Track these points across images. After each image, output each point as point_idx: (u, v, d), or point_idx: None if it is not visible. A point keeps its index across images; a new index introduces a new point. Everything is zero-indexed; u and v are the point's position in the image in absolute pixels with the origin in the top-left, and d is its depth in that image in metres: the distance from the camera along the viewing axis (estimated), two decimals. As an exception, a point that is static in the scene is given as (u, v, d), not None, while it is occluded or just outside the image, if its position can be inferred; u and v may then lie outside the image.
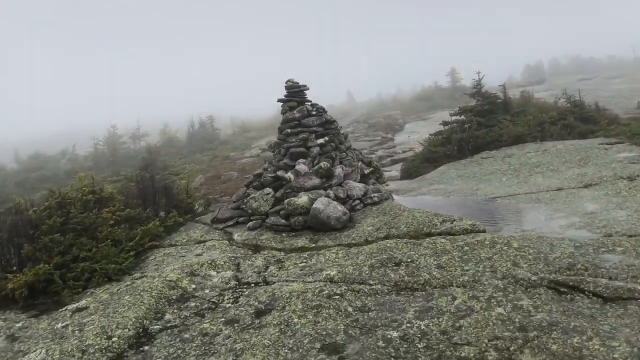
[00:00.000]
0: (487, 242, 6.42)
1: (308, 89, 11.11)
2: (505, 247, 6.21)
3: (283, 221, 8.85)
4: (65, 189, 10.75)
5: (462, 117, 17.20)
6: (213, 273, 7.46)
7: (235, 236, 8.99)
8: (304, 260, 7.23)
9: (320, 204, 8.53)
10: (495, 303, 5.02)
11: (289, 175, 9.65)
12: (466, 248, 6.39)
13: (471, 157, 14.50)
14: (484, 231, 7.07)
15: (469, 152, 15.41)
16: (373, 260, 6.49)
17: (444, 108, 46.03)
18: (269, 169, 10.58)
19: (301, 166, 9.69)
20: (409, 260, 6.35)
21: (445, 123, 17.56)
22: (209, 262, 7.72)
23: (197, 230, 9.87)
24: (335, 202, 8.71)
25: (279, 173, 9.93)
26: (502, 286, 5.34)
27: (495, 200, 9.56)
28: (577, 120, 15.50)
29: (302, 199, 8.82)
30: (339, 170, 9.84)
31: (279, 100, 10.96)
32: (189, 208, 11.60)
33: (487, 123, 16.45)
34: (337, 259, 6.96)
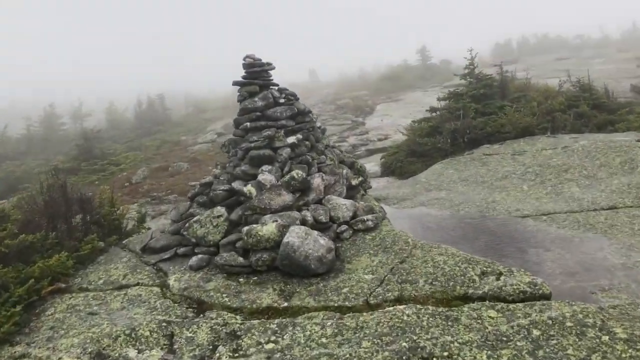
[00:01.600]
0: (568, 323, 4.09)
1: (273, 68, 8.52)
2: (605, 337, 3.88)
3: (240, 260, 6.32)
4: None
5: (451, 102, 14.90)
6: (132, 354, 4.93)
7: (172, 280, 6.42)
8: (273, 337, 4.76)
9: (295, 236, 6.04)
10: None
11: (249, 188, 7.10)
12: (536, 333, 4.04)
13: (470, 153, 12.23)
14: (549, 295, 4.73)
15: (466, 145, 13.16)
16: (386, 353, 4.08)
17: (415, 88, 43.92)
18: (221, 177, 7.99)
19: (266, 176, 7.15)
20: (445, 354, 3.97)
21: (433, 109, 15.24)
22: (127, 331, 5.18)
23: (121, 265, 7.25)
24: (315, 233, 6.23)
25: (235, 185, 7.36)
26: None
27: (526, 222, 7.28)
28: (589, 108, 13.41)
29: (269, 227, 6.30)
30: (317, 181, 7.35)
31: (235, 83, 8.34)
32: (115, 226, 8.91)
33: (484, 110, 14.23)
34: (325, 342, 4.51)
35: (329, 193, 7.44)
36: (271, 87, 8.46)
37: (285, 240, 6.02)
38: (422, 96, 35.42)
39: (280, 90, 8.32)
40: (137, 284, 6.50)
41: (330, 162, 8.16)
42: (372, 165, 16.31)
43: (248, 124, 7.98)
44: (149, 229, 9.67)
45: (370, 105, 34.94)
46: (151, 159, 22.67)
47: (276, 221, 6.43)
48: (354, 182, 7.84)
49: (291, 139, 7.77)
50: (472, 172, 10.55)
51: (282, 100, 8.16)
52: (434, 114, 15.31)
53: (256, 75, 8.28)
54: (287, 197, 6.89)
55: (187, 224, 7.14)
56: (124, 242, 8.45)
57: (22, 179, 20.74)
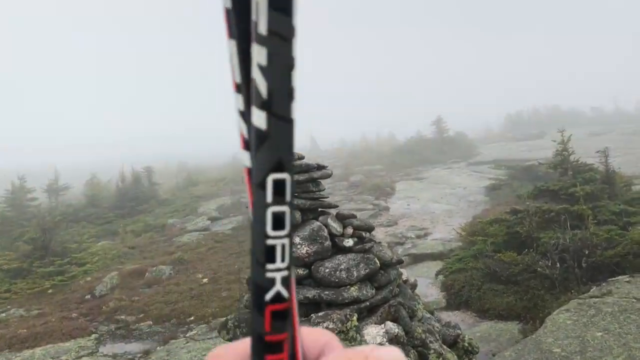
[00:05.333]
0: None
1: (329, 174, 4.55)
2: None
3: None
4: None
5: (544, 202, 11.01)
6: None
7: None
8: None
9: None
10: None
11: None
12: None
13: (607, 292, 8.15)
14: None
15: (584, 273, 9.11)
16: None
17: (435, 164, 40.31)
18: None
19: None
20: None
21: (515, 211, 11.28)
22: None
23: None
24: None
25: None
26: None
27: None
28: None
29: None
30: None
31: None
32: None
33: (595, 216, 10.26)
34: None
35: None
36: (323, 210, 4.49)
37: None
38: (448, 174, 31.69)
39: (343, 219, 4.33)
40: None
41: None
42: (425, 283, 12.12)
43: (280, 292, 3.96)
44: None
45: (389, 184, 31.05)
46: (126, 256, 18.39)
47: None
48: None
49: (374, 333, 3.67)
50: (646, 344, 6.38)
51: (348, 243, 4.16)
52: (514, 217, 11.32)
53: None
54: None
55: None
56: None
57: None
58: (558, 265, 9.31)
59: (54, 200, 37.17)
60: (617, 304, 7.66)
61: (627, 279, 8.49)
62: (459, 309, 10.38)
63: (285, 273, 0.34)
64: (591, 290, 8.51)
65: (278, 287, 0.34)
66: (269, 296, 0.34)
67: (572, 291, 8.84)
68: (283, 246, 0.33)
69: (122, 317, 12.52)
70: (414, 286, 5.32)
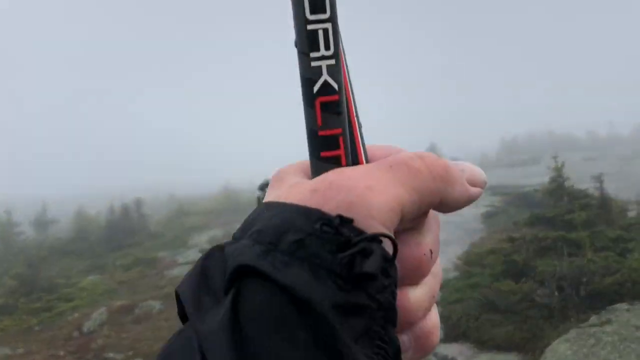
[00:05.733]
0: None
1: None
2: None
3: None
4: None
5: (539, 230, 11.07)
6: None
7: None
8: None
9: None
10: None
11: None
12: None
13: (606, 320, 8.15)
14: None
15: (583, 300, 9.13)
16: None
17: (430, 191, 40.17)
18: None
19: None
20: None
21: (511, 239, 11.34)
22: None
23: None
24: None
25: None
26: None
27: None
28: None
29: None
30: None
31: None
32: None
33: (592, 243, 10.33)
34: None
35: None
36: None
37: None
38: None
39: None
40: None
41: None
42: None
43: None
44: None
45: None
46: (114, 291, 18.22)
47: None
48: None
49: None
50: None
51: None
52: (510, 244, 11.38)
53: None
54: None
55: None
56: None
57: None
58: (556, 293, 9.33)
59: (41, 234, 36.97)
60: (617, 332, 7.66)
61: (627, 307, 8.49)
62: (457, 341, 10.33)
63: (331, 62, 0.32)
64: (590, 319, 8.51)
65: (325, 77, 0.32)
66: (316, 87, 0.32)
67: (571, 320, 8.84)
68: (326, 31, 0.31)
69: (111, 354, 12.35)
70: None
